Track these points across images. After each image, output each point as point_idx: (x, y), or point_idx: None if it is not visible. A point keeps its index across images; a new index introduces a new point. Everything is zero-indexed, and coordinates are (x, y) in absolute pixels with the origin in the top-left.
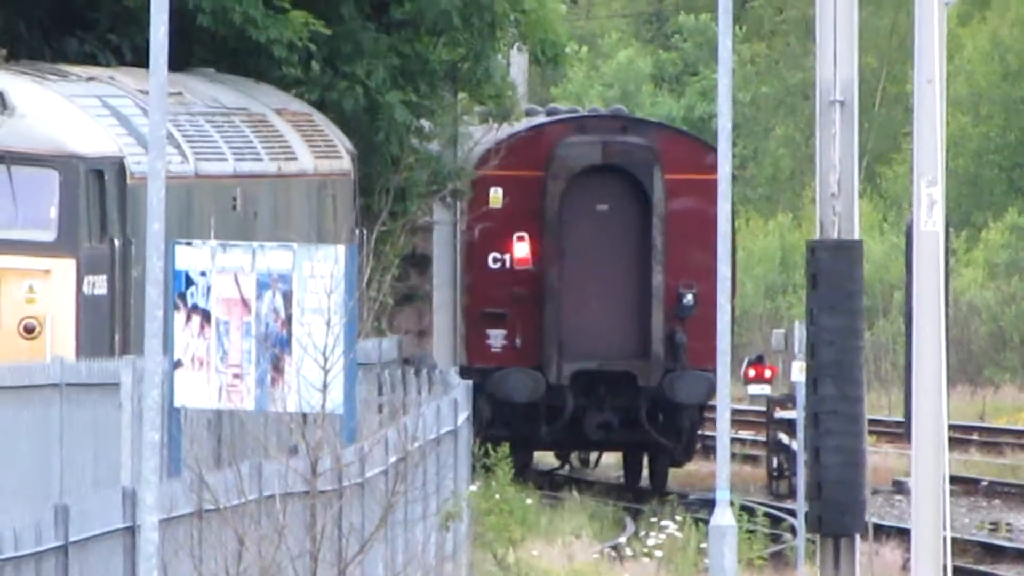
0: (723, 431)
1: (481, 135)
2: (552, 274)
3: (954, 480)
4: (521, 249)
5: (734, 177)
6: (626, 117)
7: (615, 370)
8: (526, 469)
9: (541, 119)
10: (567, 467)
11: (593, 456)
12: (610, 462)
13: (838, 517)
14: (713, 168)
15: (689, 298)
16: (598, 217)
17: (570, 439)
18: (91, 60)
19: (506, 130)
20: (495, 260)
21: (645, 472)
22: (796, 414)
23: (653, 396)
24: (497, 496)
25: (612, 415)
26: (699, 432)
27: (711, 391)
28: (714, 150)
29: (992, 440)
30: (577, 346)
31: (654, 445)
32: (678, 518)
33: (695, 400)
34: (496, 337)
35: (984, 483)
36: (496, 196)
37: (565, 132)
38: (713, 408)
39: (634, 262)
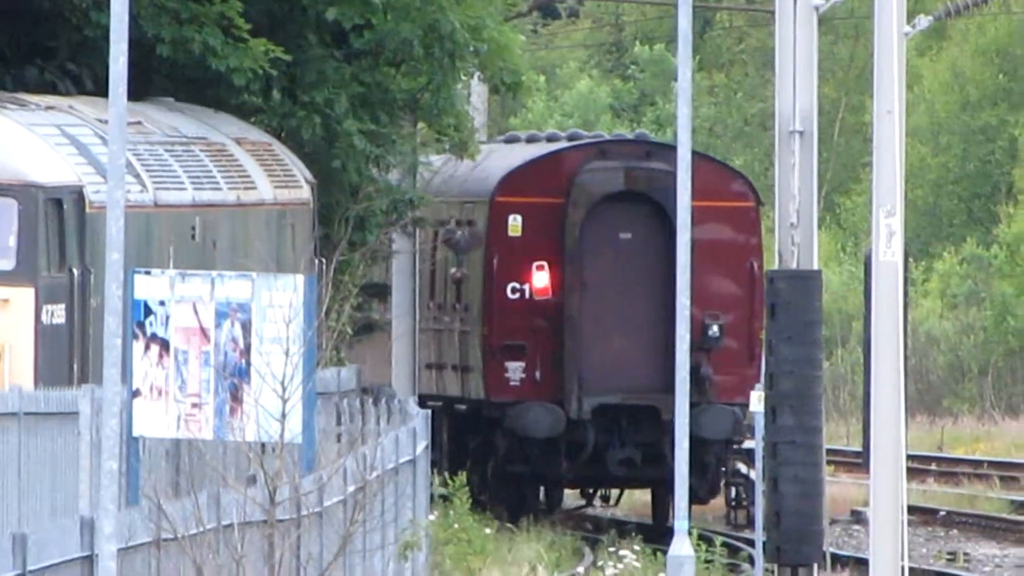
0: (681, 461)
1: (440, 164)
2: (573, 305)
3: (912, 510)
4: (540, 279)
5: None
6: (650, 142)
7: (638, 404)
8: (555, 509)
9: (561, 144)
10: (592, 506)
11: (614, 493)
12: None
13: (796, 547)
14: (741, 195)
15: (715, 329)
16: (620, 245)
17: (592, 476)
18: (51, 89)
19: (525, 155)
20: (514, 290)
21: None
22: (755, 444)
23: None
24: (456, 526)
25: (635, 451)
26: (723, 468)
27: (737, 426)
28: (741, 176)
29: (950, 470)
30: (598, 379)
31: None
32: (636, 548)
33: (721, 435)
34: (515, 370)
35: (942, 513)
36: (515, 224)
37: (586, 158)
38: (740, 443)
39: (658, 292)
